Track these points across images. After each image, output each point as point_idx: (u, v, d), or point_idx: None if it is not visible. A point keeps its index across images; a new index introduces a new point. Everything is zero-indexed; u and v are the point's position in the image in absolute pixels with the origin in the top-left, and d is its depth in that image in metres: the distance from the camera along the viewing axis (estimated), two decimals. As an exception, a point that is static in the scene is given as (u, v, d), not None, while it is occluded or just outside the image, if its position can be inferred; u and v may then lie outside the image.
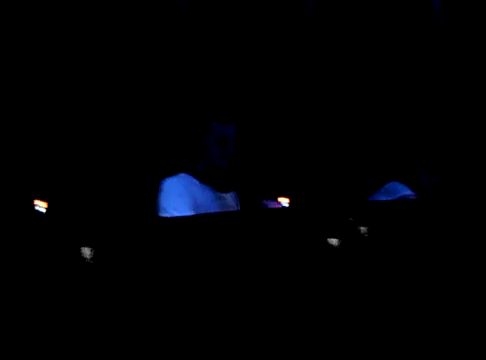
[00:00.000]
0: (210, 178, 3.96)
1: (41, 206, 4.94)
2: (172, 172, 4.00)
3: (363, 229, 3.50)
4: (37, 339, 2.98)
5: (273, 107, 5.30)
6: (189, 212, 3.77)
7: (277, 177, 5.22)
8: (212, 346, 3.09)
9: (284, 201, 5.11)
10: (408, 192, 4.47)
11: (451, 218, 3.49)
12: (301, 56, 5.37)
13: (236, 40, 5.39)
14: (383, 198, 4.43)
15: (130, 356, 3.03)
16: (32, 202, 4.87)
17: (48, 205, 4.94)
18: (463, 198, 3.75)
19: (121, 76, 5.28)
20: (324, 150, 5.27)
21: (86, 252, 3.05)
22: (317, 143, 5.27)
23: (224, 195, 4.00)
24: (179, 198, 3.84)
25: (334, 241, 3.52)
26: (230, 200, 4.05)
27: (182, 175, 3.96)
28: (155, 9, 5.42)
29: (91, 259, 3.06)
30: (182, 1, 5.41)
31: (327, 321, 3.23)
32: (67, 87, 5.24)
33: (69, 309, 3.01)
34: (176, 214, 3.73)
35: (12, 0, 5.49)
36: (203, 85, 5.30)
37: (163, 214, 3.79)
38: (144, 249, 3.13)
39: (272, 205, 4.03)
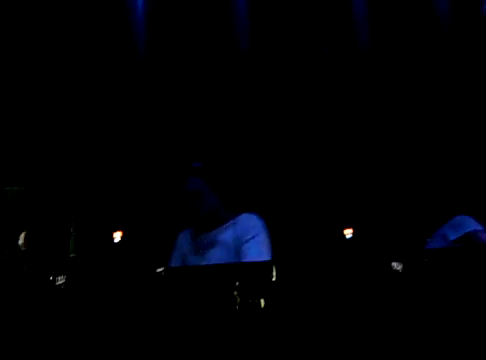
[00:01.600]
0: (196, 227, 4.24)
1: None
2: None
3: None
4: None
5: (342, 138, 5.51)
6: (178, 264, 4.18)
7: (340, 208, 5.46)
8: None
9: (348, 232, 5.43)
10: (477, 227, 4.38)
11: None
12: (357, 89, 5.61)
13: (299, 76, 5.57)
14: (450, 231, 4.45)
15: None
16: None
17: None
18: None
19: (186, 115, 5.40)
20: (391, 181, 5.50)
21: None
22: (384, 174, 5.50)
23: (211, 233, 4.18)
24: (173, 252, 4.23)
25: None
26: (221, 235, 4.20)
27: (186, 230, 4.29)
28: (219, 47, 5.52)
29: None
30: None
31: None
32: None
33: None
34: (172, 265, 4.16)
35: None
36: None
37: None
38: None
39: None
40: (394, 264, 3.57)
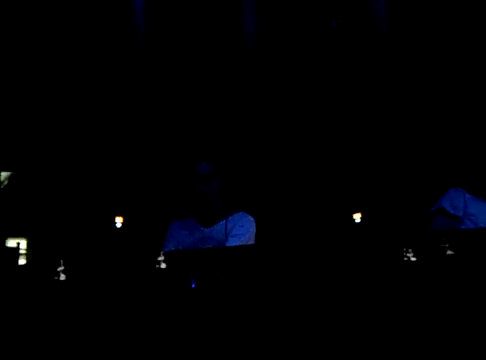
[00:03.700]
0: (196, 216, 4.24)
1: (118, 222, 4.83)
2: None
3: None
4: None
5: (345, 118, 5.42)
6: None
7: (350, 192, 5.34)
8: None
9: (357, 216, 5.28)
10: (446, 204, 4.38)
11: None
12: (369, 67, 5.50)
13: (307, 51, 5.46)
14: (449, 208, 4.41)
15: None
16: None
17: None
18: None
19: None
20: (400, 164, 5.43)
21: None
22: (393, 157, 5.43)
23: (208, 229, 4.22)
24: (167, 240, 4.23)
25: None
26: (215, 232, 4.25)
27: (183, 219, 4.27)
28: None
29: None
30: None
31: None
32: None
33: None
34: None
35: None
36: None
37: None
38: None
39: None
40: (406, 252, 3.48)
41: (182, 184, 4.15)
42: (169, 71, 5.60)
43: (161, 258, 3.16)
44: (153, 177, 5.37)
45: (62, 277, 2.91)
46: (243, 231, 4.16)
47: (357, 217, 5.27)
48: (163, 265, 3.17)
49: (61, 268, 2.91)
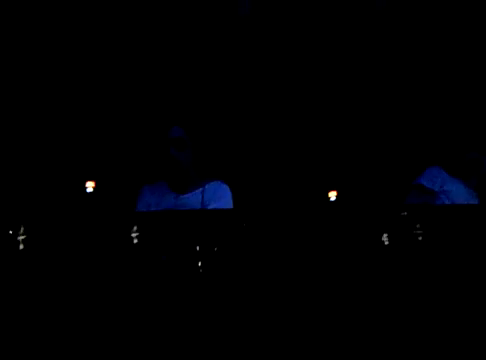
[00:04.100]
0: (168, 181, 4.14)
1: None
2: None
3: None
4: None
5: (326, 92, 5.35)
6: None
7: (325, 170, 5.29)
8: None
9: (332, 194, 5.23)
10: (423, 181, 4.50)
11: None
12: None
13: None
14: (427, 184, 4.51)
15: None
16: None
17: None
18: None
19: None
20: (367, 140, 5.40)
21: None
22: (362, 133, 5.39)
23: (182, 197, 4.12)
24: (138, 203, 4.13)
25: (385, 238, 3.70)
26: (190, 200, 4.15)
27: (155, 184, 4.16)
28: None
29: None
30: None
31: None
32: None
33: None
34: None
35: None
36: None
37: None
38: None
39: None
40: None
41: (155, 148, 4.06)
42: (154, 30, 5.47)
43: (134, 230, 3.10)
44: (126, 141, 5.28)
45: (21, 246, 2.79)
46: (223, 204, 4.04)
47: (332, 195, 5.23)
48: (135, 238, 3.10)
49: (22, 237, 2.80)
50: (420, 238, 3.42)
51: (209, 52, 5.43)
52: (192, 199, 4.05)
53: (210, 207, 4.01)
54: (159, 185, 4.11)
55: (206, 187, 4.06)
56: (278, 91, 5.39)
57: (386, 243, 3.52)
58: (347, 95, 5.41)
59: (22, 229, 2.84)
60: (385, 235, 3.34)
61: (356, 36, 5.44)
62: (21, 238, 2.83)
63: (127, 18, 5.38)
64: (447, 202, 4.46)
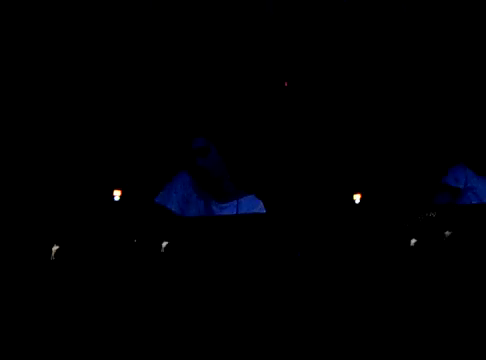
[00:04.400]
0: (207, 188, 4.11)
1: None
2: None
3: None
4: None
5: (351, 95, 5.37)
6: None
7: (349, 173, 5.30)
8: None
9: (357, 197, 5.23)
10: (449, 181, 4.55)
11: None
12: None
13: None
14: (452, 182, 4.56)
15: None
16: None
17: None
18: None
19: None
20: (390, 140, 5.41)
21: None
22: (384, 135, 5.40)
23: (217, 205, 4.13)
24: (168, 191, 4.14)
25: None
26: (224, 212, 4.17)
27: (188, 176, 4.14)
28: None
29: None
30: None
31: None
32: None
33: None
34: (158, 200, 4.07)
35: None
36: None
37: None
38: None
39: None
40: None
41: (182, 159, 4.09)
42: (177, 36, 5.50)
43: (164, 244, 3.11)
44: (155, 151, 5.32)
45: (53, 258, 2.84)
46: None
47: (357, 198, 5.23)
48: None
49: (56, 248, 2.84)
50: (448, 239, 3.43)
51: (233, 55, 5.46)
52: (227, 211, 4.08)
53: None
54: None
55: (241, 201, 4.09)
56: (303, 94, 5.41)
57: (413, 246, 3.53)
58: (373, 97, 5.42)
59: (54, 241, 2.88)
60: (413, 240, 3.35)
61: (383, 35, 5.44)
62: (54, 249, 2.87)
63: (150, 21, 5.43)
64: (474, 200, 4.48)
